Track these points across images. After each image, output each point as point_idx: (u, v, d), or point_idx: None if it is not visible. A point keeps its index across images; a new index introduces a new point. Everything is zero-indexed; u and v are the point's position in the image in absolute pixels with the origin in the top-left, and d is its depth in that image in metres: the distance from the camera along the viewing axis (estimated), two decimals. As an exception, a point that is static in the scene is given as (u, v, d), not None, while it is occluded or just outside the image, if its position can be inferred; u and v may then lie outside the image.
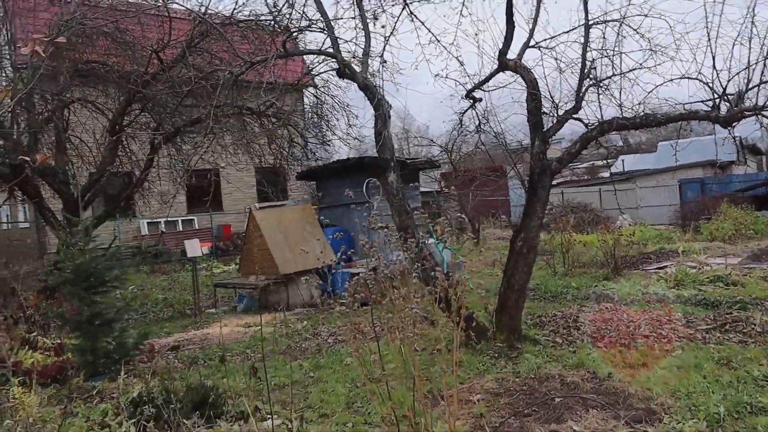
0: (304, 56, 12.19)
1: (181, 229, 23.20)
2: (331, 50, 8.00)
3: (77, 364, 6.40)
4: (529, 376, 5.78)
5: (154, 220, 22.23)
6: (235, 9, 10.98)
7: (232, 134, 12.34)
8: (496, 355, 6.45)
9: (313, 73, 10.30)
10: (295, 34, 8.05)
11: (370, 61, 8.60)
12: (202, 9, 11.32)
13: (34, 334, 7.46)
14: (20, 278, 8.84)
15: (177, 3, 10.74)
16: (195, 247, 21.81)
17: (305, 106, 14.97)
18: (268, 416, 4.94)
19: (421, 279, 7.26)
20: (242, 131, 12.20)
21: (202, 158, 13.58)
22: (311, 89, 13.79)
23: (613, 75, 7.26)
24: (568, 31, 7.63)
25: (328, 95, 13.17)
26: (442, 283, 3.99)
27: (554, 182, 25.69)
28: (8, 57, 12.34)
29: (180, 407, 4.98)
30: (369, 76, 7.94)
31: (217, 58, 11.73)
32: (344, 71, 7.95)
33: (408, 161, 12.26)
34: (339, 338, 8.05)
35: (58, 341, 7.01)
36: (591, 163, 38.81)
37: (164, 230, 22.41)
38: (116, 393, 5.83)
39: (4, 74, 12.11)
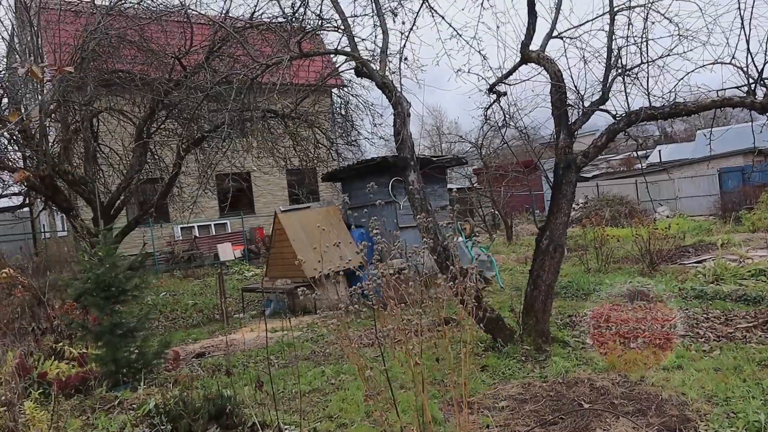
0: (332, 56, 12.10)
1: (214, 233, 23.37)
2: (347, 49, 7.85)
3: (100, 374, 6.38)
4: (556, 380, 5.54)
5: (188, 225, 22.42)
6: (254, 12, 10.93)
7: (255, 137, 12.30)
8: (523, 358, 6.23)
9: (332, 73, 10.19)
10: (310, 34, 7.89)
11: (391, 59, 8.47)
12: (223, 14, 11.40)
13: (61, 344, 7.49)
14: (46, 287, 8.90)
15: (193, 9, 10.77)
16: (227, 251, 22.10)
17: (330, 107, 14.90)
18: (286, 427, 4.83)
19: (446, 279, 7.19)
20: (266, 134, 12.16)
21: (230, 162, 13.64)
22: (335, 89, 13.73)
23: (642, 63, 6.95)
24: (592, 20, 7.35)
25: (351, 95, 13.09)
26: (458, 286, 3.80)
27: (589, 175, 25.11)
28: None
29: (196, 419, 4.91)
30: (388, 74, 7.80)
31: (239, 62, 11.73)
32: (362, 70, 7.82)
33: (434, 158, 12.05)
34: (363, 342, 7.91)
35: (83, 351, 7.02)
36: (627, 154, 37.91)
37: (197, 235, 22.61)
38: (137, 403, 5.80)
39: (33, 87, 12.21)
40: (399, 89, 7.54)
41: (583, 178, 25.23)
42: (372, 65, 7.87)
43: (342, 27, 8.04)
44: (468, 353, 6.08)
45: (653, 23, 6.91)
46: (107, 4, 11.63)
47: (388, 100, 7.62)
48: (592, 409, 4.71)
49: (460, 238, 12.03)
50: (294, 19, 8.67)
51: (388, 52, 7.94)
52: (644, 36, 6.87)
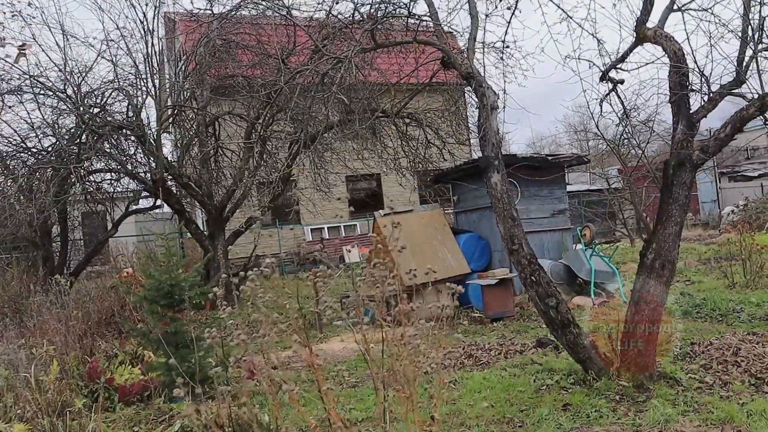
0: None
1: (344, 235, 23.50)
2: (428, 38, 7.15)
3: (159, 384, 6.21)
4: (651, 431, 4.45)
5: (318, 226, 22.72)
6: (354, 9, 10.51)
7: (363, 137, 11.93)
8: (617, 398, 5.14)
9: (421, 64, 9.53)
10: (376, 23, 7.27)
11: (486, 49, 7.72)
12: (325, 14, 11.11)
13: (141, 348, 7.48)
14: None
15: (296, 9, 10.58)
16: (353, 253, 22.06)
17: (451, 104, 14.19)
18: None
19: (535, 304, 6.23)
20: (370, 133, 11.75)
21: (342, 163, 13.41)
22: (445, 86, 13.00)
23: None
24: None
25: (462, 91, 12.32)
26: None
27: (754, 174, 21.91)
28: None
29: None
30: (482, 65, 7.05)
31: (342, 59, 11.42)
32: (446, 60, 7.11)
33: (550, 157, 10.92)
34: (444, 363, 7.13)
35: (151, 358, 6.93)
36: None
37: (326, 236, 22.83)
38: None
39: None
40: (484, 78, 6.72)
41: (744, 177, 22.24)
42: (460, 56, 7.14)
43: (429, 13, 7.39)
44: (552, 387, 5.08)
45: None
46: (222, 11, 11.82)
47: (475, 93, 6.87)
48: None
49: (579, 246, 10.81)
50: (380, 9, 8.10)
51: (477, 40, 7.17)
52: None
